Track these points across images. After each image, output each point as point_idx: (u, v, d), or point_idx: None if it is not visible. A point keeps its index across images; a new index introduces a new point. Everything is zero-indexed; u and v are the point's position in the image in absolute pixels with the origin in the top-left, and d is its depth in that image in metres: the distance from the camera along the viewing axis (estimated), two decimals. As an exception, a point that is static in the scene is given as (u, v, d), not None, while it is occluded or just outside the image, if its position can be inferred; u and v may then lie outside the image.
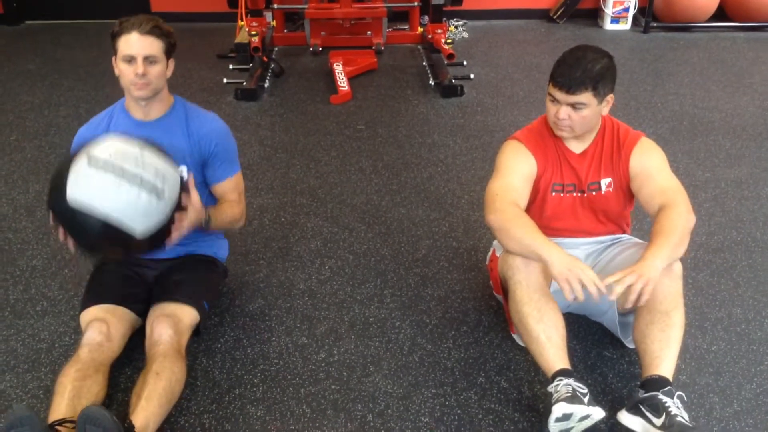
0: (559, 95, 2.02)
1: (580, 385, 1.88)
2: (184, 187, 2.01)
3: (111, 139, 1.95)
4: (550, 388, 1.90)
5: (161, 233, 1.95)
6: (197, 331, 2.28)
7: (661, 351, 1.94)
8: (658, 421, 1.82)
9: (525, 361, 2.21)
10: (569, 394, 1.84)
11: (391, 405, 2.05)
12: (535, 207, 2.22)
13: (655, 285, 1.88)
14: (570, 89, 2.00)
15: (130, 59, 2.10)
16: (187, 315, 2.15)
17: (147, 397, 1.90)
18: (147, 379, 1.94)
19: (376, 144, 3.78)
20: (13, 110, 4.22)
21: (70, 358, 2.01)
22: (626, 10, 5.80)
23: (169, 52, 2.16)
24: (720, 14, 5.80)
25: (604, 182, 2.19)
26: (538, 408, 2.03)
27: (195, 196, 2.05)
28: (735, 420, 1.99)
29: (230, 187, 2.31)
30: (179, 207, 1.98)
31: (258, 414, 2.02)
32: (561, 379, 1.89)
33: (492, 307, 2.46)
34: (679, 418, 1.81)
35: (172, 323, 2.09)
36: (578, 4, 5.97)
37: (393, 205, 3.15)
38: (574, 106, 2.03)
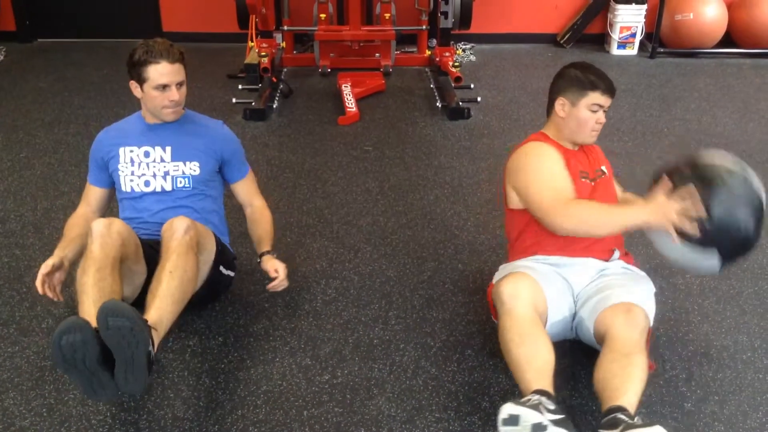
0: (605, 100, 2.23)
1: (551, 404, 1.79)
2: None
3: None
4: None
5: None
6: (215, 294, 2.54)
7: (623, 384, 1.85)
8: None
9: (529, 386, 2.20)
10: (526, 401, 1.77)
11: (395, 429, 2.04)
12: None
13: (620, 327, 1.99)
14: (613, 92, 2.25)
15: (164, 87, 2.28)
16: (203, 227, 2.31)
17: (161, 296, 2.04)
18: (161, 278, 2.08)
19: (383, 165, 3.79)
20: (23, 127, 4.26)
21: (84, 258, 2.07)
22: (633, 35, 5.82)
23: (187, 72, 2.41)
24: (727, 40, 5.81)
25: (604, 168, 2.38)
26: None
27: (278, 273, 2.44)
28: (741, 449, 1.98)
29: (249, 182, 2.63)
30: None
31: (260, 435, 2.01)
32: (534, 395, 1.82)
33: (497, 331, 2.45)
34: (637, 421, 1.73)
35: (189, 222, 2.19)
36: (585, 29, 6.00)
37: (399, 227, 3.16)
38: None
